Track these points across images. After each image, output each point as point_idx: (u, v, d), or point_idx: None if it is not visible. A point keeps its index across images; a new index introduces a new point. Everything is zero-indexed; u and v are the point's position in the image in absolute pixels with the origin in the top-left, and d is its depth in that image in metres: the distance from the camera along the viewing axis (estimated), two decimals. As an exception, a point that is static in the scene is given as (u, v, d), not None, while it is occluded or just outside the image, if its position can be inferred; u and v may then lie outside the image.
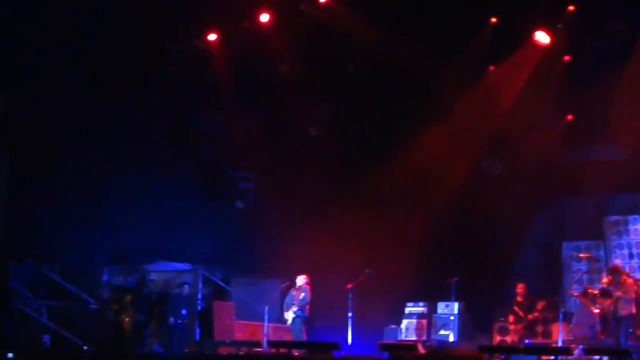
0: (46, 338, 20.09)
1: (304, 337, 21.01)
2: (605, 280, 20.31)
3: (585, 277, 23.33)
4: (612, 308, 19.14)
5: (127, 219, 22.64)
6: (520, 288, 21.42)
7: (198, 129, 22.72)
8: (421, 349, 18.78)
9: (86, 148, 21.69)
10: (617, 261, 22.48)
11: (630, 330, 18.81)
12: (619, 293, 18.92)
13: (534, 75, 21.70)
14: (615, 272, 19.36)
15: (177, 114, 22.69)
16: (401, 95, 22.50)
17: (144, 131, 22.20)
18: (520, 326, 21.16)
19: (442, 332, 21.67)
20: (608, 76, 20.87)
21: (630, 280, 19.09)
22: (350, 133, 22.75)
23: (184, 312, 22.11)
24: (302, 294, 21.02)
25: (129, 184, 22.48)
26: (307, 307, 21.08)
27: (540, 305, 20.96)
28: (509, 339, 21.21)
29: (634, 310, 18.70)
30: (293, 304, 21.06)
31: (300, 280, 21.25)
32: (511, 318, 21.40)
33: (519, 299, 21.37)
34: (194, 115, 22.70)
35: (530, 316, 21.06)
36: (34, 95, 20.62)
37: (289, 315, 21.10)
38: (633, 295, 18.59)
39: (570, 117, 22.50)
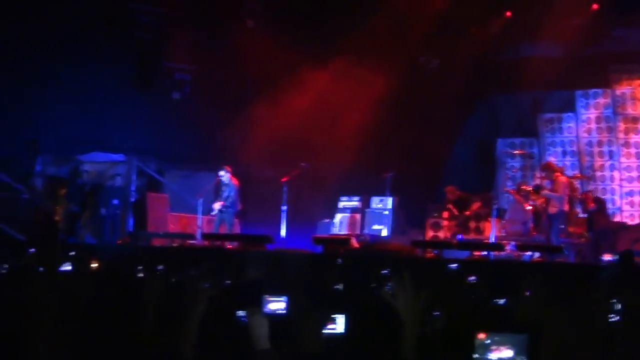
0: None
1: (236, 230, 20.99)
2: (538, 177, 20.53)
3: (518, 173, 23.69)
4: (543, 205, 19.39)
5: (62, 108, 22.32)
6: (449, 191, 21.56)
7: (135, 20, 22.43)
8: (355, 243, 18.98)
9: (23, 34, 21.25)
10: (551, 159, 22.73)
11: (562, 227, 19.05)
12: (546, 191, 19.17)
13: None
14: (547, 169, 19.55)
15: (113, 4, 22.26)
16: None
17: (82, 20, 21.75)
18: (453, 223, 21.32)
19: (375, 226, 21.82)
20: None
21: (562, 178, 19.19)
22: (285, 26, 22.40)
23: (115, 202, 21.92)
24: (226, 193, 20.74)
25: (64, 73, 22.11)
26: (237, 201, 20.91)
27: (476, 205, 21.13)
28: (441, 234, 21.39)
29: (564, 208, 18.97)
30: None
31: (226, 178, 20.73)
32: (445, 214, 21.57)
33: (450, 197, 21.51)
34: (131, 6, 22.36)
35: (466, 212, 21.23)
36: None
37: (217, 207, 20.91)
38: (562, 193, 18.76)
39: (508, 13, 22.36)
